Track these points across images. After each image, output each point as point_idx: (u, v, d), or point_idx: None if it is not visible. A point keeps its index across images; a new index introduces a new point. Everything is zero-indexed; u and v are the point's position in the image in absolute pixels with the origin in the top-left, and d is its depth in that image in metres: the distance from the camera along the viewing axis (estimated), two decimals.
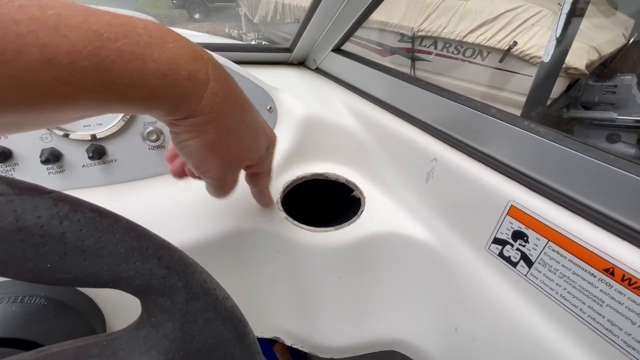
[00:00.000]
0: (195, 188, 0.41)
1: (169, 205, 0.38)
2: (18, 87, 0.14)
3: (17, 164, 0.35)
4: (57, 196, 0.13)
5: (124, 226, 0.15)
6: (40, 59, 0.14)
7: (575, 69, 1.72)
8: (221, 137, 0.22)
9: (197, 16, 7.24)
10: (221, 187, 0.27)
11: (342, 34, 0.53)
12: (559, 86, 1.78)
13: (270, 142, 0.30)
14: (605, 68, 1.95)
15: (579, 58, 1.71)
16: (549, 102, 1.61)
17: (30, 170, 0.36)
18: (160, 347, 0.16)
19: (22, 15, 0.13)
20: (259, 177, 0.33)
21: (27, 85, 0.14)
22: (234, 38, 5.04)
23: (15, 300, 0.27)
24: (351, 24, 0.51)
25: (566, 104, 1.93)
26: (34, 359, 0.14)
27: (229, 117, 0.22)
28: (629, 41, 2.02)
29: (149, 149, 0.40)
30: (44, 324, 0.27)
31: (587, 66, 1.73)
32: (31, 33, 0.13)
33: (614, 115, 1.76)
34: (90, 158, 0.37)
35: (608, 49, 1.86)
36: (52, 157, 0.35)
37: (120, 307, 0.34)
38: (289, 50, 0.62)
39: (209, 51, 0.23)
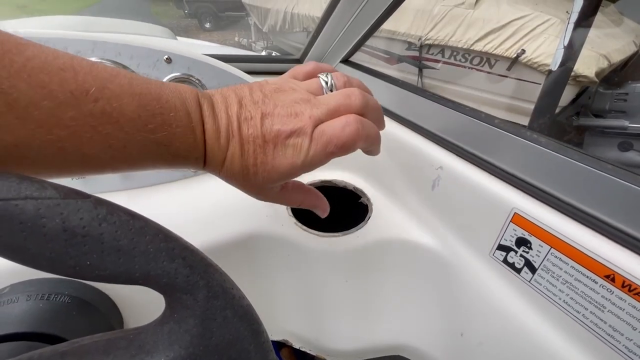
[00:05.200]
0: (208, 194, 0.43)
1: (182, 209, 0.40)
2: (114, 149, 0.19)
3: None
4: (96, 200, 0.15)
5: (153, 228, 0.16)
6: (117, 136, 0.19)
7: (585, 76, 1.71)
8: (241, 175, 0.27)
9: (207, 25, 7.41)
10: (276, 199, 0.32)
11: (351, 46, 0.55)
12: (568, 94, 1.77)
13: None
14: (616, 76, 1.93)
15: (588, 66, 1.70)
16: (558, 110, 1.60)
17: None
18: (182, 342, 0.17)
19: (97, 109, 0.18)
20: None
21: (121, 144, 0.19)
22: (243, 46, 5.13)
23: (42, 297, 0.29)
24: (360, 36, 0.53)
25: (576, 112, 1.91)
26: (68, 349, 0.16)
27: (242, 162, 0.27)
28: (639, 49, 2.00)
29: None
30: (67, 320, 0.28)
31: (597, 74, 1.72)
32: (108, 123, 0.18)
33: (626, 123, 1.74)
34: None
35: (618, 56, 1.85)
36: None
37: (136, 306, 0.35)
38: (299, 61, 0.64)
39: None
